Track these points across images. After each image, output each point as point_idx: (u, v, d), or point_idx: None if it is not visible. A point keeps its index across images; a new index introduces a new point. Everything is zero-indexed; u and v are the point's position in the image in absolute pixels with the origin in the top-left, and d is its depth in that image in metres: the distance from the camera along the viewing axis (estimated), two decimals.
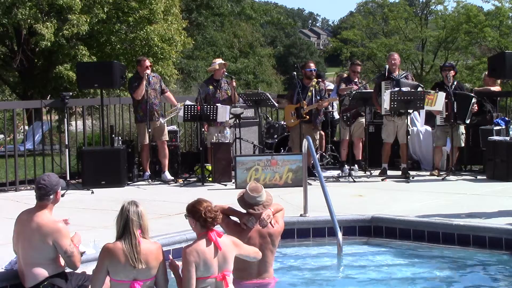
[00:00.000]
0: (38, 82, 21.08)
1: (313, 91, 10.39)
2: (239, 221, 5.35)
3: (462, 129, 10.36)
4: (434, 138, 10.63)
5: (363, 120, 10.93)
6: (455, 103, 10.01)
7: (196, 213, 4.67)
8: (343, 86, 11.07)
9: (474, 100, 10.16)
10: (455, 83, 10.37)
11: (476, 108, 10.33)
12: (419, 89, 10.34)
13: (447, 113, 10.17)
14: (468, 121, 10.22)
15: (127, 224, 4.50)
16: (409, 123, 10.43)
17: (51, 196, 4.88)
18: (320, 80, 11.08)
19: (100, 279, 4.56)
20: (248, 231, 5.23)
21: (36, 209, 4.90)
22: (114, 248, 4.51)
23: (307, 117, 10.22)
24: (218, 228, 4.86)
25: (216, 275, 4.57)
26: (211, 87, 10.66)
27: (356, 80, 11.21)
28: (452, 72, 10.31)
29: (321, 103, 10.41)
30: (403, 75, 10.62)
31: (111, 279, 4.59)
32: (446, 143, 10.57)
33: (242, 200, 5.32)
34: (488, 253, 6.41)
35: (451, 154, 10.40)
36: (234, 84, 10.87)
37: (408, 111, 10.22)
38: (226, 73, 10.78)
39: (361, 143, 11.07)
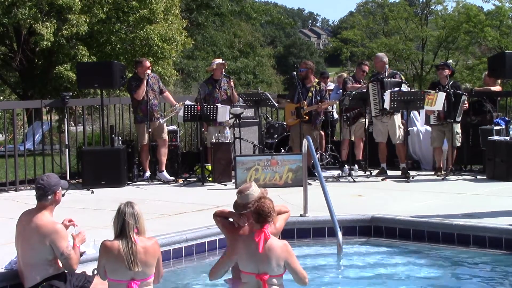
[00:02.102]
0: (38, 82, 21.07)
1: (314, 92, 10.40)
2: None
3: (457, 128, 10.35)
4: (431, 139, 10.63)
5: (365, 120, 10.92)
6: (446, 102, 10.01)
7: (252, 205, 4.75)
8: (350, 84, 11.04)
9: (463, 98, 10.16)
10: (451, 82, 10.35)
11: (467, 105, 10.32)
12: (404, 86, 10.34)
13: (438, 112, 10.18)
14: (459, 119, 10.21)
15: (123, 227, 4.52)
16: (398, 123, 10.41)
17: (49, 197, 4.87)
18: (321, 80, 11.09)
19: (102, 275, 4.68)
20: (239, 229, 5.16)
21: (36, 210, 4.90)
22: (111, 246, 4.54)
23: (307, 117, 10.23)
24: None
25: (255, 273, 4.56)
26: (210, 87, 10.66)
27: (362, 80, 11.20)
28: (446, 71, 10.32)
29: (321, 105, 10.42)
30: (392, 74, 10.61)
31: (108, 278, 4.60)
32: (443, 143, 10.57)
33: (235, 203, 5.30)
34: (488, 253, 6.41)
35: (449, 154, 10.40)
36: (232, 84, 10.87)
37: (396, 112, 10.23)
38: (224, 73, 10.78)
39: (361, 143, 11.07)
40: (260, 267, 4.55)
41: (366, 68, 11.50)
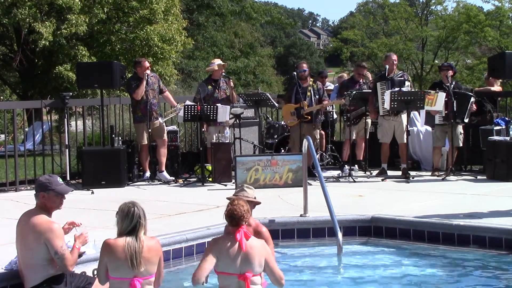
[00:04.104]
0: (38, 82, 21.08)
1: (312, 91, 10.38)
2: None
3: (460, 129, 10.35)
4: (434, 138, 10.62)
5: (369, 120, 10.92)
6: (454, 102, 10.01)
7: (225, 210, 4.73)
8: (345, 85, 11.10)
9: (472, 99, 10.16)
10: (453, 83, 10.37)
11: (475, 107, 10.33)
12: (407, 84, 10.33)
13: (446, 112, 10.18)
14: (466, 120, 10.22)
15: (135, 228, 4.53)
16: (405, 122, 10.40)
17: (37, 197, 4.88)
18: (320, 80, 11.10)
19: (102, 275, 4.63)
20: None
21: (35, 210, 4.89)
22: (114, 244, 4.52)
23: (309, 117, 10.22)
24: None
25: (238, 274, 4.56)
26: (210, 87, 10.65)
27: (360, 81, 11.20)
28: (450, 72, 10.32)
29: (324, 104, 10.44)
30: (399, 75, 10.61)
31: (110, 277, 4.58)
32: (445, 143, 10.57)
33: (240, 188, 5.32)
34: (488, 253, 6.41)
35: (450, 154, 10.40)
36: (232, 84, 10.87)
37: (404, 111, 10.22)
38: (224, 73, 10.78)
39: (363, 144, 11.05)
40: (242, 267, 4.55)
41: (364, 71, 11.49)
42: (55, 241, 4.73)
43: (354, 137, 10.89)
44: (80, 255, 4.98)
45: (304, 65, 10.67)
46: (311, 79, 10.74)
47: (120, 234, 4.56)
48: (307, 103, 10.24)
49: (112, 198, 8.60)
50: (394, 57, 10.78)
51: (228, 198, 5.16)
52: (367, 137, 10.95)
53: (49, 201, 4.88)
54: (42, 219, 4.80)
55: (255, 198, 5.36)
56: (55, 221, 4.88)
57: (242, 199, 4.82)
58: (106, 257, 4.56)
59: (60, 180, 4.98)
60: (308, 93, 10.35)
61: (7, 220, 7.08)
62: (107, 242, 4.57)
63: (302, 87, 10.42)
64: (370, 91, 10.83)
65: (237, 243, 4.57)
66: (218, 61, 10.95)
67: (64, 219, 5.20)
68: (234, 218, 4.63)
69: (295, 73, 10.53)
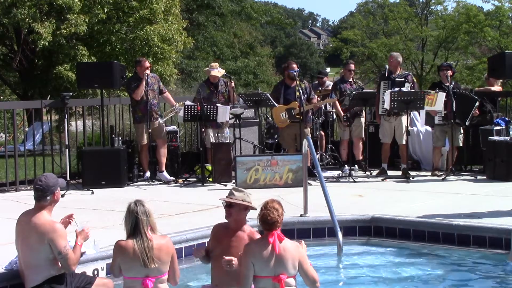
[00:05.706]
0: (38, 82, 21.06)
1: (300, 91, 10.32)
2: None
3: (460, 129, 10.35)
4: (434, 138, 10.61)
5: (363, 120, 10.92)
6: (454, 102, 10.00)
7: (259, 213, 4.64)
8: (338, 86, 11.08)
9: (477, 104, 10.15)
10: (453, 83, 10.37)
11: (478, 112, 10.32)
12: (407, 85, 10.30)
13: (445, 112, 10.17)
14: (467, 123, 10.21)
15: (137, 225, 4.57)
16: (407, 123, 10.38)
17: (48, 197, 4.86)
18: (319, 80, 11.09)
19: (116, 273, 4.74)
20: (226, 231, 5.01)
21: (35, 210, 4.89)
22: (126, 245, 4.60)
23: (301, 117, 10.18)
24: None
25: (272, 276, 4.54)
26: (208, 91, 10.61)
27: (351, 80, 11.18)
28: (449, 72, 10.32)
29: (317, 103, 10.42)
30: (404, 75, 10.59)
31: (124, 277, 4.66)
32: (445, 143, 10.57)
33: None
34: (488, 253, 6.41)
35: (450, 154, 10.40)
36: (233, 84, 10.84)
37: (404, 112, 10.20)
38: (225, 73, 10.75)
39: (361, 143, 11.05)
40: (277, 269, 4.54)
41: (352, 67, 11.43)
42: (58, 241, 4.75)
43: (348, 137, 10.85)
44: (80, 255, 4.98)
45: (294, 65, 10.63)
46: (297, 78, 10.72)
47: (128, 234, 4.63)
48: (298, 103, 10.19)
49: (112, 198, 8.58)
50: (398, 57, 10.71)
51: (226, 201, 5.00)
52: (366, 137, 10.95)
53: (58, 197, 4.95)
54: (44, 219, 4.81)
55: (243, 200, 4.91)
56: (56, 220, 4.90)
57: (276, 202, 4.67)
58: (119, 257, 4.64)
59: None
60: (297, 93, 10.29)
61: (7, 220, 7.07)
62: (119, 244, 4.65)
63: (290, 88, 10.40)
64: (370, 91, 10.84)
65: (270, 245, 4.53)
66: (215, 70, 10.74)
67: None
68: (268, 223, 4.56)
69: (295, 72, 10.43)
